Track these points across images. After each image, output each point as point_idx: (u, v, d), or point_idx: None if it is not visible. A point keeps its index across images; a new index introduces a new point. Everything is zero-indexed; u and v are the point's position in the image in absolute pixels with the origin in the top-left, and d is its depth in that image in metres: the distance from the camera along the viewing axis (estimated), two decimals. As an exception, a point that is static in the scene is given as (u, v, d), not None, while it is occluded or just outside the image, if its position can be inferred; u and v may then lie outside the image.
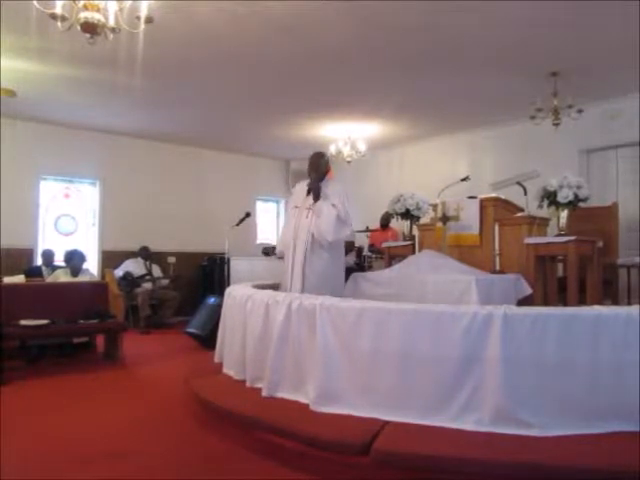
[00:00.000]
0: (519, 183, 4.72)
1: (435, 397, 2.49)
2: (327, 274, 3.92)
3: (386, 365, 2.60)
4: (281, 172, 9.90)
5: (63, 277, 5.61)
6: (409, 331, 2.57)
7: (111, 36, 3.28)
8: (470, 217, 4.49)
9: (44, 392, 3.89)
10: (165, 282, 7.65)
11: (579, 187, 4.05)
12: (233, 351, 3.49)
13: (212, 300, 5.82)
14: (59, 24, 3.10)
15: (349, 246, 6.24)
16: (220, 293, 4.97)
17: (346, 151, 7.26)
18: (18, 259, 6.82)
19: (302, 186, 4.13)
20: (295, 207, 4.08)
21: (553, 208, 4.22)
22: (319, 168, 4.07)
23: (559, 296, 4.33)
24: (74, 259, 5.69)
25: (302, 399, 2.84)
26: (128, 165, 7.94)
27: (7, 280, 5.60)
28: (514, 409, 2.35)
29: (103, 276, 5.96)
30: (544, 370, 2.38)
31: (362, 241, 7.52)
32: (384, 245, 5.68)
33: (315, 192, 3.94)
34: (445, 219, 4.59)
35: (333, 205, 3.85)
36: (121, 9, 3.25)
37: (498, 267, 4.29)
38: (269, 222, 9.95)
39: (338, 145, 7.25)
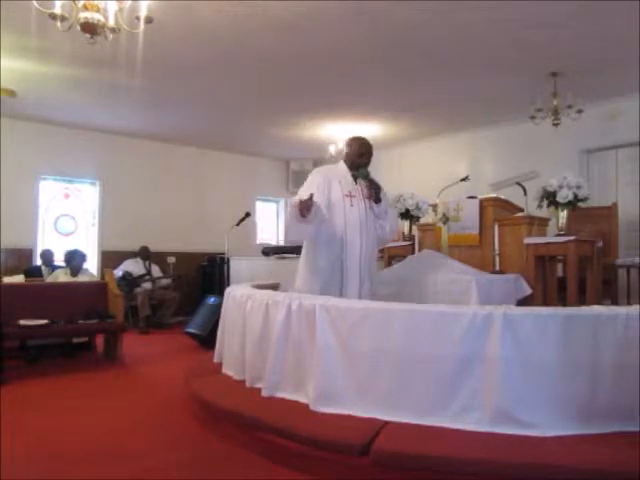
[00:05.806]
0: (519, 183, 4.72)
1: (435, 397, 2.48)
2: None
3: (386, 365, 2.60)
4: (281, 172, 9.91)
5: (63, 277, 5.61)
6: (409, 331, 2.56)
7: (111, 36, 3.28)
8: (470, 217, 4.50)
9: (44, 392, 3.89)
10: (165, 282, 7.64)
11: (579, 187, 4.06)
12: (233, 351, 3.49)
13: (212, 300, 5.81)
14: (59, 24, 3.11)
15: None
16: (220, 293, 4.96)
17: (346, 151, 7.24)
18: (18, 259, 6.82)
19: (342, 170, 3.43)
20: (347, 196, 3.32)
21: (553, 208, 4.23)
22: (370, 159, 3.40)
23: (559, 296, 4.33)
24: (75, 259, 5.68)
25: (302, 399, 2.83)
26: (128, 165, 7.94)
27: (7, 280, 5.60)
28: (514, 409, 2.34)
29: (103, 276, 5.95)
30: (544, 370, 2.38)
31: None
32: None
33: (377, 192, 3.34)
34: (445, 219, 4.60)
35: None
36: (121, 9, 3.26)
37: (498, 267, 4.29)
38: (269, 222, 9.95)
39: (338, 145, 7.25)
